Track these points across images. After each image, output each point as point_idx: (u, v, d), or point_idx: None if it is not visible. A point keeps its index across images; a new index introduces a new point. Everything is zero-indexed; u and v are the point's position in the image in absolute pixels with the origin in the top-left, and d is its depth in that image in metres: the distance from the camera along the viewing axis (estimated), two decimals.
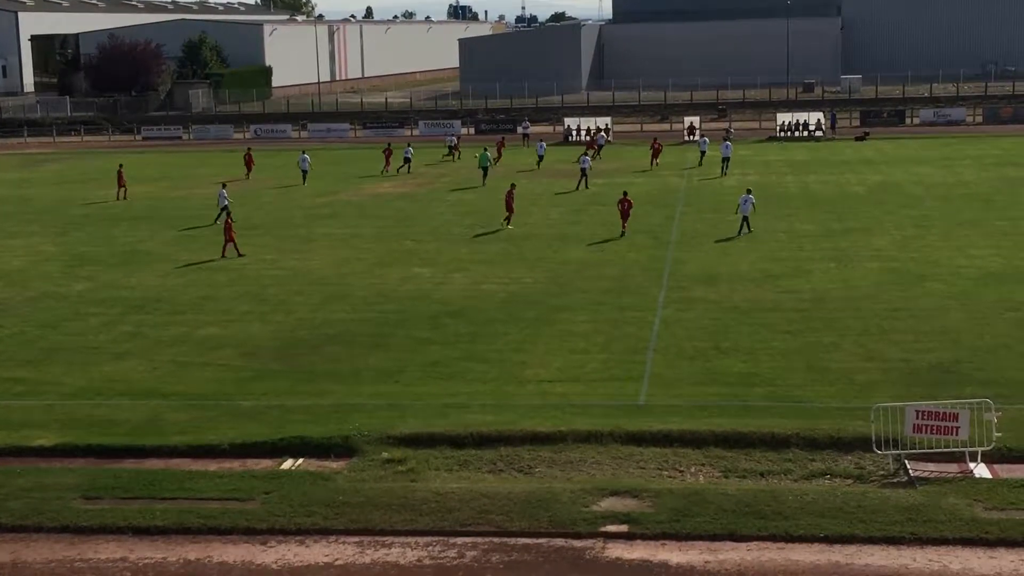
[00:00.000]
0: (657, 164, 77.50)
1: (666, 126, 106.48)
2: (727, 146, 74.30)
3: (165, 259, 49.72)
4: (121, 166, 69.98)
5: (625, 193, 53.53)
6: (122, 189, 68.47)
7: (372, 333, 36.47)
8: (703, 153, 78.39)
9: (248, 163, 77.25)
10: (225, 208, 55.23)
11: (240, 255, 48.92)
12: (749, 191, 53.02)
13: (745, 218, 51.48)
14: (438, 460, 25.58)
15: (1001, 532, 21.00)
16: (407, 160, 78.04)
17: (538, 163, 78.49)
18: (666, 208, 59.34)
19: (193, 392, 30.97)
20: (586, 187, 66.31)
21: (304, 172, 73.54)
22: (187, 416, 28.82)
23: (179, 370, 33.08)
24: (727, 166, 72.93)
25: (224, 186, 59.03)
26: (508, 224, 54.35)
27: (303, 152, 76.38)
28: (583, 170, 68.16)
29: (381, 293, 42.07)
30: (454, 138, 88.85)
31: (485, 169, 71.44)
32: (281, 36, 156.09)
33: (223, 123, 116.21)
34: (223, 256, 48.94)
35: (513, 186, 56.41)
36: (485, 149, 75.57)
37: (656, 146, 78.86)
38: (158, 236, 55.66)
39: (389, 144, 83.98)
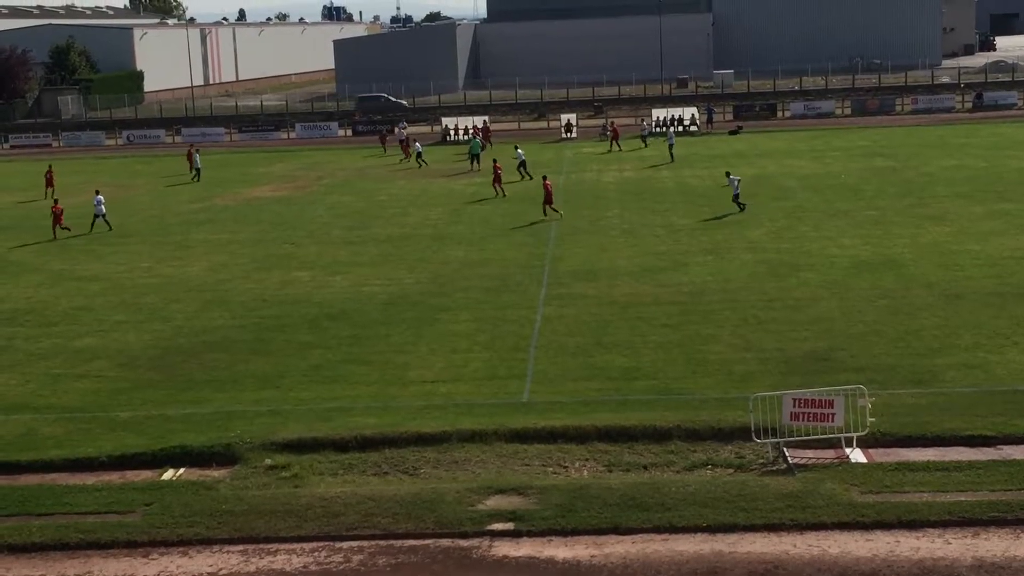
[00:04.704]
0: (619, 148, 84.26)
1: (543, 123, 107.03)
2: (671, 135, 79.94)
3: (37, 269, 48.64)
4: (51, 166, 72.60)
5: (544, 178, 58.31)
6: (50, 189, 69.20)
7: (252, 339, 36.07)
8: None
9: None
10: (102, 215, 57.08)
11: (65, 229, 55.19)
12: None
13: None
14: (322, 465, 25.39)
15: (877, 515, 21.47)
16: (419, 155, 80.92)
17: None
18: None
19: (68, 405, 30.31)
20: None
21: (198, 169, 76.98)
22: (63, 430, 28.18)
23: (53, 383, 32.35)
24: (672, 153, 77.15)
25: (97, 192, 59.97)
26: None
27: (197, 150, 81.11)
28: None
29: (260, 298, 41.63)
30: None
31: (476, 156, 76.19)
32: (152, 40, 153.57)
33: (94, 129, 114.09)
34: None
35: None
36: (475, 137, 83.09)
37: (614, 129, 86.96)
38: (29, 246, 54.40)
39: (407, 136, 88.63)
